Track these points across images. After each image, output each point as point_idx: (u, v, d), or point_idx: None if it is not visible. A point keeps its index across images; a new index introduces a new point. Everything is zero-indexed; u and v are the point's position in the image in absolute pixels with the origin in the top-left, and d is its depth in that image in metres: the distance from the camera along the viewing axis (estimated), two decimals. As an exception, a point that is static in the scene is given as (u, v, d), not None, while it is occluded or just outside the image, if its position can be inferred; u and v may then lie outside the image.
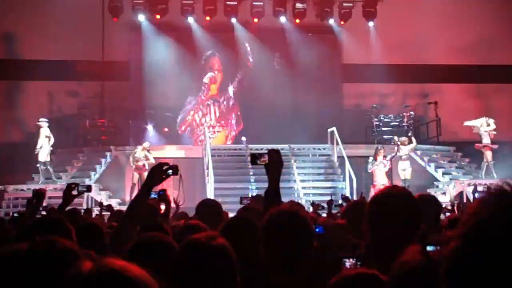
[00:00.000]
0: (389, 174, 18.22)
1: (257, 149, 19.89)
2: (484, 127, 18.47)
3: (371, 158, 17.78)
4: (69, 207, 5.48)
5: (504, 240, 0.92)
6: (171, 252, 2.75)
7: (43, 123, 17.66)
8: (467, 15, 21.98)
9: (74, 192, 4.91)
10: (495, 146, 18.33)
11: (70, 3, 19.87)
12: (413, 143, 18.38)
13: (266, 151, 3.92)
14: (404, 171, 17.92)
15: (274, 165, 3.81)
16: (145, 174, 17.18)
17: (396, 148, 18.22)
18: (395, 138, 18.51)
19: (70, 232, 3.19)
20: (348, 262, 2.64)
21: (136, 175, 17.41)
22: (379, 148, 18.02)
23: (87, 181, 17.04)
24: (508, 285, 0.90)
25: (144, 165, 17.41)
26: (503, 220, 0.93)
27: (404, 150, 18.10)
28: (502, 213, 0.94)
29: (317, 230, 3.46)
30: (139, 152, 17.68)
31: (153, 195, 5.74)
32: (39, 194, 5.33)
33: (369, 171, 17.71)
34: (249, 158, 18.81)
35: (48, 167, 17.63)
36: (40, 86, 20.89)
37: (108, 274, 1.29)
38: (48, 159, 17.61)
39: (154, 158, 17.21)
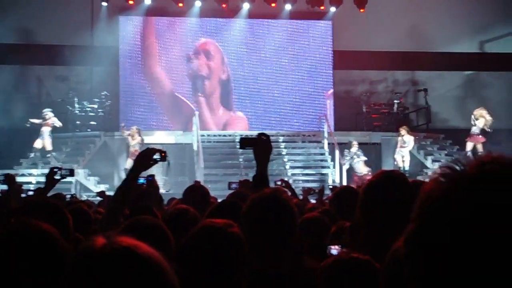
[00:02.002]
0: (377, 161, 18.28)
1: (247, 135, 19.86)
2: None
3: (346, 151, 17.74)
4: (54, 192, 5.45)
5: (458, 218, 0.92)
6: (161, 235, 2.73)
7: (49, 114, 17.90)
8: (459, 2, 21.97)
9: (57, 177, 4.86)
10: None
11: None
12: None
13: (255, 136, 3.87)
14: (403, 158, 17.94)
15: (263, 150, 3.75)
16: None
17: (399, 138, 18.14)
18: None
19: (67, 220, 3.15)
20: (334, 249, 2.62)
21: (129, 161, 17.44)
22: (352, 141, 17.99)
23: (75, 166, 16.99)
24: (462, 261, 0.90)
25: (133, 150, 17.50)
26: (456, 199, 0.93)
27: (406, 139, 18.05)
28: (454, 192, 0.94)
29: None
30: (130, 139, 17.82)
31: (141, 181, 5.71)
32: (9, 178, 5.33)
33: (344, 165, 17.54)
34: (238, 144, 18.82)
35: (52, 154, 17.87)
36: (29, 71, 20.75)
37: (123, 250, 1.26)
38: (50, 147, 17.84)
39: (144, 143, 17.20)
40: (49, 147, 17.91)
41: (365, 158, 17.82)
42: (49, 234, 1.32)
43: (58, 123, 18.06)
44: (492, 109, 18.87)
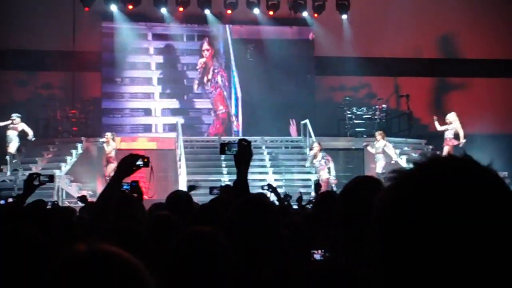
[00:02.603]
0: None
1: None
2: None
3: (312, 153, 17.62)
4: (36, 198, 5.41)
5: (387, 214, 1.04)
6: (142, 241, 2.73)
7: (17, 119, 17.58)
8: (440, 8, 22.15)
9: (36, 183, 4.80)
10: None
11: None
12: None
13: (236, 142, 3.87)
14: (378, 163, 17.94)
15: (243, 156, 3.76)
16: (110, 165, 17.20)
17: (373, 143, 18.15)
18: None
19: (51, 225, 3.14)
20: (317, 254, 2.64)
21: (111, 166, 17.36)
22: (316, 144, 17.80)
23: (58, 173, 16.89)
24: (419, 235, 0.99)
25: (108, 156, 17.49)
26: (389, 197, 1.05)
27: (379, 144, 18.04)
28: (392, 190, 1.06)
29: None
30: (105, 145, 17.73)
31: (125, 187, 5.69)
32: None
33: (309, 165, 17.50)
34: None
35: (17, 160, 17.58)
36: (10, 76, 20.61)
37: (103, 258, 1.29)
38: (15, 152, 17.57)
39: (125, 149, 17.12)
40: (12, 150, 17.56)
41: (329, 166, 17.43)
42: (38, 240, 1.33)
43: (28, 130, 17.66)
44: (474, 113, 19.06)
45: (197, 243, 2.39)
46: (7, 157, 17.48)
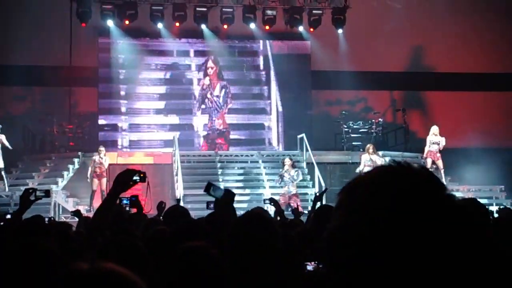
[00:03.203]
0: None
1: (226, 155, 19.94)
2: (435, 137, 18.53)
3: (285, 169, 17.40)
4: (33, 214, 5.39)
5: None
6: (140, 256, 2.74)
7: None
8: (433, 22, 22.28)
9: (32, 198, 4.75)
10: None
11: (37, 8, 19.70)
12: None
13: (222, 188, 3.98)
14: None
15: (223, 204, 3.88)
16: (103, 179, 17.12)
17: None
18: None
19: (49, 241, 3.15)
20: (310, 266, 2.65)
21: (96, 182, 17.28)
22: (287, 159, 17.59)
23: (54, 188, 16.85)
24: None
25: (103, 170, 17.37)
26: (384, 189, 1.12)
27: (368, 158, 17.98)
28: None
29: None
30: (98, 158, 17.53)
31: (124, 201, 5.66)
32: None
33: (279, 184, 17.12)
34: (218, 165, 18.96)
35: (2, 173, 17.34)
36: (7, 92, 20.64)
37: (105, 275, 1.30)
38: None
39: (121, 164, 17.09)
40: (2, 164, 17.29)
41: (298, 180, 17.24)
42: (55, 254, 1.35)
43: (6, 143, 17.28)
44: (468, 127, 19.13)
45: (190, 258, 2.41)
46: (2, 173, 17.32)
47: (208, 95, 21.67)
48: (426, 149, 18.31)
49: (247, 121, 21.79)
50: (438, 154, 18.14)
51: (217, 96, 21.76)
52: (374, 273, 1.06)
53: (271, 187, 18.20)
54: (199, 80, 21.74)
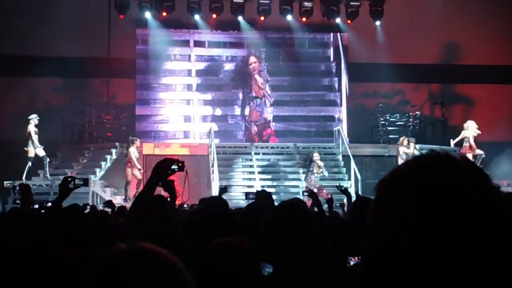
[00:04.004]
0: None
1: (262, 147, 19.94)
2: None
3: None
4: (72, 203, 5.45)
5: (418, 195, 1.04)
6: (177, 245, 2.74)
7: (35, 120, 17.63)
8: (470, 14, 21.91)
9: (71, 186, 4.81)
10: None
11: (76, 0, 19.92)
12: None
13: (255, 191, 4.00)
14: None
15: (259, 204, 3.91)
16: (135, 170, 17.22)
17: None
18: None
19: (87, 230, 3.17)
20: (353, 260, 2.62)
21: (130, 172, 17.40)
22: (313, 154, 17.57)
23: (92, 178, 17.06)
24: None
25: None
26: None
27: (405, 150, 17.87)
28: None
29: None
30: (134, 149, 17.64)
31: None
32: (25, 188, 5.33)
33: (307, 181, 17.14)
34: (254, 157, 18.98)
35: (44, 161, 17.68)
36: (47, 83, 20.91)
37: (144, 253, 1.32)
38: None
39: (158, 155, 17.20)
40: (42, 153, 17.62)
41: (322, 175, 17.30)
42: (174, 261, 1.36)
43: (34, 137, 17.39)
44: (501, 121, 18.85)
45: (220, 254, 2.40)
46: (46, 161, 17.61)
47: (257, 87, 21.70)
48: (465, 143, 18.09)
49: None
50: (474, 147, 17.95)
51: (263, 89, 21.76)
52: (406, 271, 1.02)
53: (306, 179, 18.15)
54: (238, 71, 21.71)
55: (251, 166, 18.61)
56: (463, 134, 18.40)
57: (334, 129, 20.04)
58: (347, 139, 19.53)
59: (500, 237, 1.00)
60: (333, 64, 22.11)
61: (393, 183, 1.08)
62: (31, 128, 17.42)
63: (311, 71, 21.93)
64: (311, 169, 16.90)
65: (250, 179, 17.96)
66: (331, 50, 22.18)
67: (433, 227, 1.00)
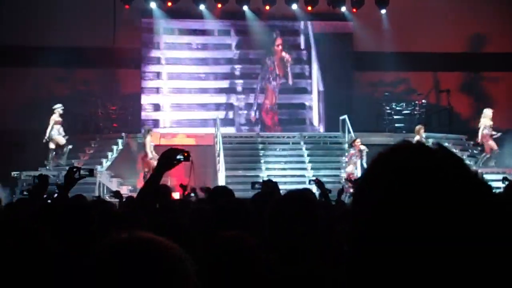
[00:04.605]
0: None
1: (268, 137, 19.93)
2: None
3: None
4: (74, 193, 5.44)
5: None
6: (185, 234, 2.76)
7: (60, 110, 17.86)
8: (483, 1, 21.78)
9: (76, 176, 4.79)
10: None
11: (81, -10, 19.93)
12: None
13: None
14: None
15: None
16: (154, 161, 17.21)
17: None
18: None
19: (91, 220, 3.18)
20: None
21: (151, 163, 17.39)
22: (353, 137, 17.77)
23: (99, 168, 17.11)
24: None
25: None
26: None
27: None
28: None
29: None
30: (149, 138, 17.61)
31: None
32: (43, 178, 5.32)
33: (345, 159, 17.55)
34: (260, 146, 18.97)
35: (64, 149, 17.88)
36: (51, 74, 20.92)
37: (145, 242, 1.33)
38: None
39: (164, 145, 17.19)
40: (62, 141, 17.88)
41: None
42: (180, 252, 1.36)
43: (52, 126, 17.87)
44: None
45: (225, 249, 2.40)
46: (64, 149, 17.78)
47: (281, 66, 21.69)
48: (481, 132, 18.02)
49: (288, 101, 21.76)
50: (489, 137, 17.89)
51: (288, 67, 21.79)
52: (389, 258, 1.01)
53: (313, 168, 18.17)
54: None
55: (257, 156, 18.60)
56: (481, 122, 18.27)
57: (340, 118, 20.01)
58: (318, 127, 19.61)
59: (481, 221, 1.00)
60: (304, 52, 21.96)
61: (366, 174, 1.12)
62: (55, 118, 17.56)
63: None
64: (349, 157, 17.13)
65: (256, 168, 17.96)
66: (302, 38, 21.98)
67: (414, 212, 1.00)
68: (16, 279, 1.80)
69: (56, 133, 17.75)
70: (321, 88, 21.79)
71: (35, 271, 1.80)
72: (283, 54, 21.70)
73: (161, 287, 1.29)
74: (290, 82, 21.70)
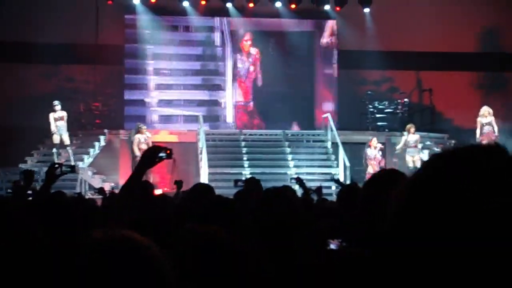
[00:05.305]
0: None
1: (250, 134, 19.94)
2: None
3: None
4: (56, 190, 5.41)
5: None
6: (167, 232, 2.75)
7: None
8: (466, 1, 21.92)
9: (58, 172, 4.75)
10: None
11: (64, -15, 19.79)
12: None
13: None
14: (413, 158, 17.85)
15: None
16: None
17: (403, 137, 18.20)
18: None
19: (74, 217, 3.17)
20: (333, 243, 2.64)
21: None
22: (370, 138, 18.06)
23: (81, 165, 17.02)
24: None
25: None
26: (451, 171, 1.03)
27: (412, 138, 18.03)
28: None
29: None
30: (142, 136, 17.58)
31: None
32: (29, 174, 5.28)
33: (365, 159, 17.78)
34: (243, 144, 18.98)
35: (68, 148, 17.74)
36: (35, 70, 20.78)
37: (120, 240, 1.31)
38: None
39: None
40: (67, 141, 17.82)
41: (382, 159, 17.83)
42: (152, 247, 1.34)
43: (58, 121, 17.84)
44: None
45: (192, 242, 2.39)
46: (68, 148, 17.64)
47: (251, 68, 21.68)
48: (479, 131, 18.02)
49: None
50: (493, 135, 17.85)
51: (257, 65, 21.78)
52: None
53: (295, 166, 18.20)
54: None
55: (239, 153, 18.60)
56: (479, 121, 18.23)
57: (323, 116, 20.05)
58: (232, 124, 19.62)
59: None
60: (220, 48, 21.87)
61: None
62: (53, 115, 17.57)
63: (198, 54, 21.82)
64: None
65: (238, 166, 17.95)
66: (218, 34, 21.89)
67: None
68: (12, 277, 1.79)
69: (55, 129, 17.59)
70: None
71: (32, 267, 1.79)
72: (251, 49, 21.68)
73: (136, 286, 1.28)
74: (259, 82, 21.69)
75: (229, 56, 21.75)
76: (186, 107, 21.40)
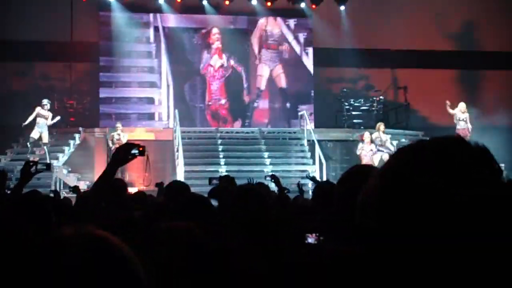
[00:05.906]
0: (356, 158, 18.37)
1: (227, 132, 19.93)
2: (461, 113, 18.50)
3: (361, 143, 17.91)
4: (30, 188, 5.37)
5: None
6: (137, 229, 2.74)
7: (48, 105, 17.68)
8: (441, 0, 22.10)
9: (33, 171, 4.70)
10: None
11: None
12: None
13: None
14: (382, 157, 17.93)
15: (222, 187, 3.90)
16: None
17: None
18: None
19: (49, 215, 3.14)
20: (311, 238, 2.65)
21: None
22: (367, 133, 18.05)
23: (55, 163, 16.87)
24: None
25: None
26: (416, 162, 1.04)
27: (385, 137, 18.08)
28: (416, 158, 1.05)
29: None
30: (116, 134, 17.64)
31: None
32: (1, 174, 5.22)
33: (358, 153, 17.80)
34: (219, 141, 18.95)
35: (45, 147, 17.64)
36: (8, 68, 20.56)
37: (89, 238, 1.28)
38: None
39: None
40: (46, 139, 17.69)
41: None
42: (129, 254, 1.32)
43: (49, 121, 17.78)
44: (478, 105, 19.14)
45: (165, 240, 2.39)
46: (45, 147, 17.52)
47: (215, 64, 21.62)
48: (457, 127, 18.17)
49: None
50: (466, 132, 17.97)
51: (221, 66, 21.73)
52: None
53: (271, 164, 18.22)
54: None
55: (215, 151, 18.57)
56: (455, 114, 18.32)
57: (299, 113, 20.08)
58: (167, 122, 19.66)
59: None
60: (153, 45, 21.68)
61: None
62: (38, 110, 17.57)
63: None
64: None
65: (214, 164, 17.92)
66: (151, 30, 21.66)
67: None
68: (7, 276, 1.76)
69: (38, 122, 17.50)
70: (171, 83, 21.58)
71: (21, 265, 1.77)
72: (218, 44, 21.67)
73: (107, 285, 1.26)
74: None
75: (164, 53, 21.52)
76: (159, 104, 21.33)
